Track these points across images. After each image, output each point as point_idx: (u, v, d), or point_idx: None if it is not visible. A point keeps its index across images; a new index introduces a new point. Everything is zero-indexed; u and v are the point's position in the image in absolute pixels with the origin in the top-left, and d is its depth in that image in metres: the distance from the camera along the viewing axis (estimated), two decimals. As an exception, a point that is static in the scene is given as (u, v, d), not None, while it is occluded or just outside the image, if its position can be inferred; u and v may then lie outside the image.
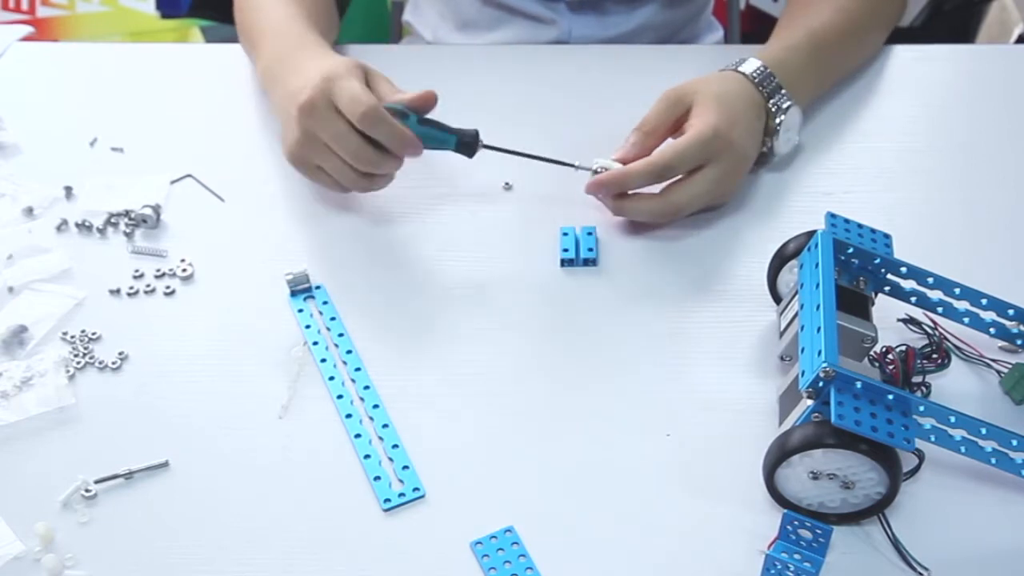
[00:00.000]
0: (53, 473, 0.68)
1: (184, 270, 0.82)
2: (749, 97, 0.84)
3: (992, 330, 0.72)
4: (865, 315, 0.68)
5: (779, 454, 0.62)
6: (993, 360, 0.73)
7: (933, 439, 0.62)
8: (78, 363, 0.75)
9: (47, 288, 0.81)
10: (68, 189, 0.89)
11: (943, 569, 0.62)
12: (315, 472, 0.68)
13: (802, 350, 0.64)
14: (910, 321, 0.74)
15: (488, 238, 0.84)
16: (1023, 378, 0.70)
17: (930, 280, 0.70)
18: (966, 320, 0.72)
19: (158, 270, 0.82)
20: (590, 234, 0.83)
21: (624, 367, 0.74)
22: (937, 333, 0.73)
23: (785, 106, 0.86)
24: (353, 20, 1.13)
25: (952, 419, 0.61)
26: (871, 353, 0.68)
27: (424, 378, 0.74)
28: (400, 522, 0.66)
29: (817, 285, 0.66)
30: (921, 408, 0.61)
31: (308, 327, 0.77)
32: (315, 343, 0.76)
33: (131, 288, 0.81)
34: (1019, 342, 0.72)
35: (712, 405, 0.71)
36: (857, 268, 0.70)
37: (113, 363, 0.75)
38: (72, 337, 0.77)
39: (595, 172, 0.82)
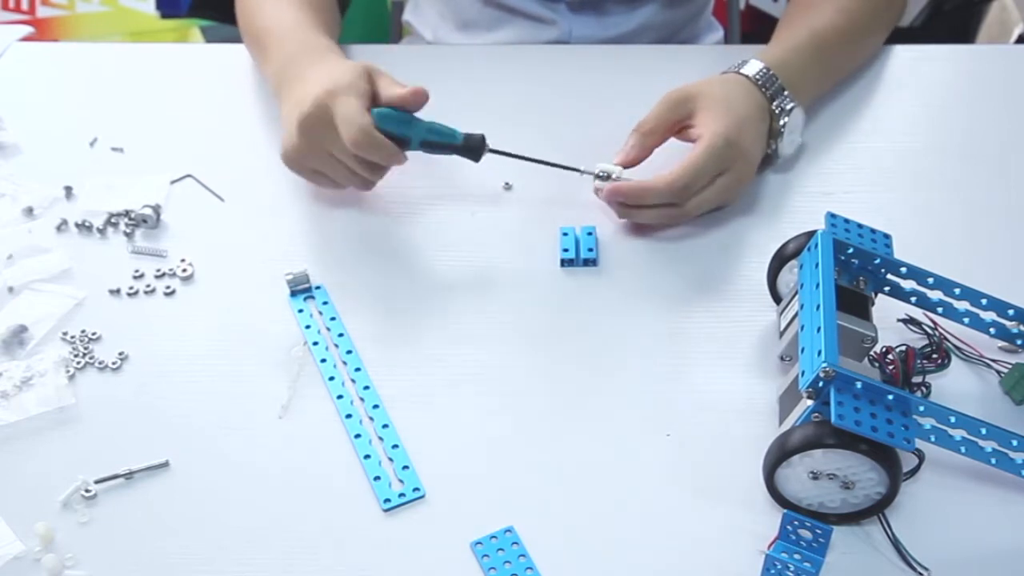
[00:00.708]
0: (53, 473, 0.68)
1: (184, 270, 0.82)
2: (754, 101, 0.84)
3: (992, 330, 0.72)
4: (865, 315, 0.68)
5: (779, 454, 0.62)
6: (993, 360, 0.73)
7: (933, 439, 0.62)
8: (78, 363, 0.75)
9: (47, 288, 0.81)
10: (68, 189, 0.89)
11: (943, 569, 0.62)
12: (315, 472, 0.68)
13: (802, 350, 0.64)
14: (910, 321, 0.74)
15: (488, 238, 0.84)
16: (1023, 378, 0.70)
17: (930, 280, 0.70)
18: (966, 320, 0.72)
19: (158, 270, 0.82)
20: (590, 234, 0.83)
21: (624, 367, 0.74)
22: (937, 333, 0.73)
23: (788, 107, 0.86)
24: (353, 20, 1.12)
25: (952, 419, 0.61)
26: (871, 353, 0.68)
27: (424, 378, 0.74)
28: (400, 522, 0.66)
29: (817, 285, 0.66)
30: (921, 408, 0.61)
31: (308, 327, 0.77)
32: (315, 343, 0.76)
33: (131, 288, 0.81)
34: (1019, 342, 0.72)
35: (712, 405, 0.71)
36: (857, 268, 0.70)
37: (113, 363, 0.75)
38: (72, 337, 0.77)
39: (597, 176, 0.82)
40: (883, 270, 0.70)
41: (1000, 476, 0.64)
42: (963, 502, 0.65)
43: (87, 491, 0.67)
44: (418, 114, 0.81)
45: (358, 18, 1.32)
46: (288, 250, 0.83)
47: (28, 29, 1.10)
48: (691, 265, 0.81)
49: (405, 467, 0.68)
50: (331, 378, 0.74)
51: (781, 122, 0.86)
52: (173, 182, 0.90)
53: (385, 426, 0.71)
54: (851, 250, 0.69)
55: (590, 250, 0.81)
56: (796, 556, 0.61)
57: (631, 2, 1.09)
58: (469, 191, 0.88)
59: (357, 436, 0.70)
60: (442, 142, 0.81)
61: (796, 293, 0.69)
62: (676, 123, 0.84)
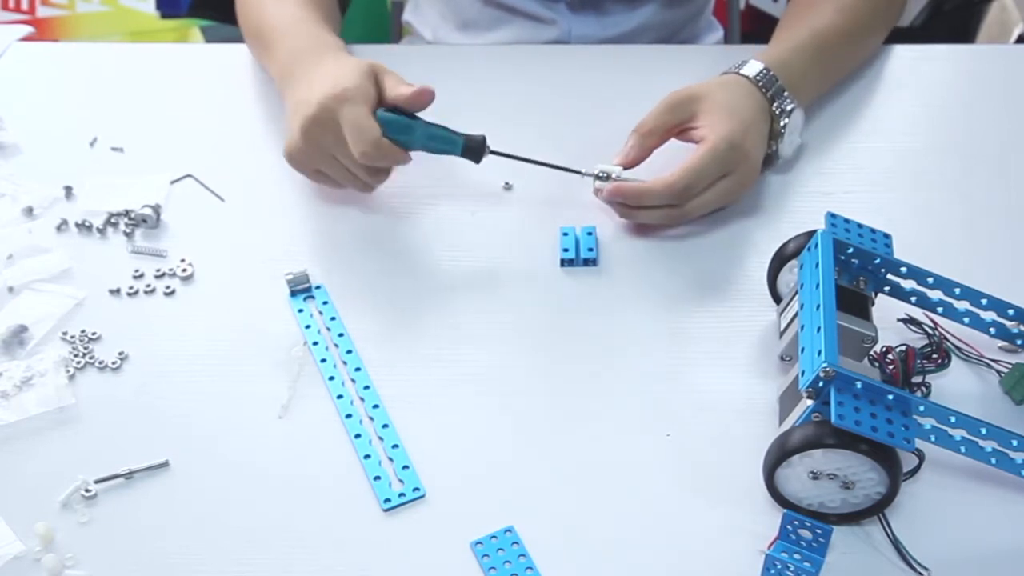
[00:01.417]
0: (53, 473, 0.68)
1: (184, 270, 0.82)
2: (755, 102, 0.84)
3: (992, 330, 0.72)
4: (865, 315, 0.68)
5: (779, 454, 0.62)
6: (993, 360, 0.73)
7: (933, 439, 0.62)
8: (78, 363, 0.75)
9: (47, 288, 0.81)
10: (68, 189, 0.89)
11: (943, 569, 0.62)
12: (315, 472, 0.68)
13: (802, 350, 0.64)
14: (910, 321, 0.74)
15: (488, 238, 0.84)
16: (1023, 378, 0.70)
17: (930, 280, 0.70)
18: (966, 320, 0.72)
19: (158, 270, 0.82)
20: (590, 234, 0.83)
21: (624, 367, 0.74)
22: (937, 333, 0.73)
23: (789, 109, 0.85)
24: (353, 20, 1.12)
25: (952, 419, 0.61)
26: (871, 353, 0.68)
27: (424, 378, 0.74)
28: (400, 522, 0.66)
29: (817, 285, 0.66)
30: (921, 408, 0.61)
31: (308, 327, 0.77)
32: (315, 343, 0.76)
33: (131, 288, 0.81)
34: (1019, 342, 0.72)
35: (712, 405, 0.71)
36: (857, 268, 0.70)
37: (113, 363, 0.75)
38: (72, 337, 0.77)
39: (597, 177, 0.82)
40: (883, 270, 0.70)
41: (1000, 476, 0.64)
42: (963, 502, 0.65)
43: (87, 491, 0.67)
44: (421, 114, 0.81)
45: (358, 18, 1.32)
46: (288, 250, 0.83)
47: (28, 29, 1.10)
48: (691, 265, 0.81)
49: (405, 467, 0.68)
50: (331, 378, 0.74)
51: (782, 123, 0.85)
52: (173, 182, 0.90)
53: (385, 426, 0.71)
54: (851, 250, 0.69)
55: (590, 250, 0.81)
56: (796, 556, 0.61)
57: (631, 2, 1.09)
58: (469, 191, 0.88)
59: (357, 436, 0.70)
60: (442, 143, 0.81)
61: (796, 293, 0.69)
62: (676, 125, 0.84)
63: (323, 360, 0.75)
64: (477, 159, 0.83)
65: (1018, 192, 0.87)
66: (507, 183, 0.88)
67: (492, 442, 0.70)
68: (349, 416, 0.71)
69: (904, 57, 1.02)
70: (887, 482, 0.61)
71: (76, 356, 0.75)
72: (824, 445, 0.60)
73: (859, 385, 0.60)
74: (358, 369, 0.74)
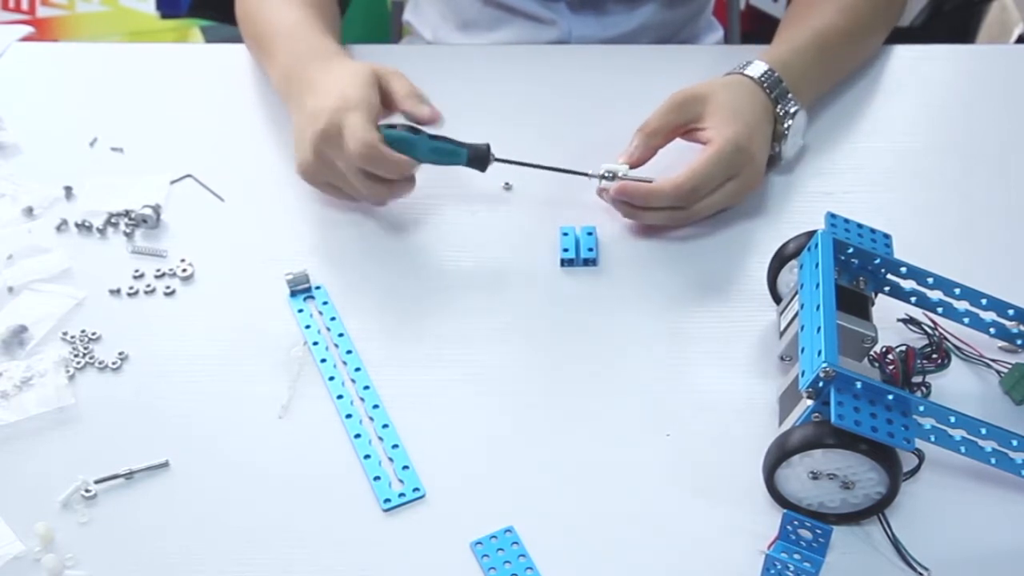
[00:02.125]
0: (53, 473, 0.68)
1: (184, 270, 0.82)
2: (760, 104, 0.84)
3: (992, 330, 0.72)
4: (865, 315, 0.68)
5: (779, 454, 0.62)
6: (993, 360, 0.73)
7: (933, 439, 0.62)
8: (78, 363, 0.75)
9: (47, 288, 0.81)
10: (68, 189, 0.89)
11: (943, 569, 0.62)
12: (315, 472, 0.68)
13: (802, 350, 0.64)
14: (910, 321, 0.74)
15: (488, 238, 0.84)
16: (1023, 378, 0.70)
17: (930, 280, 0.70)
18: (966, 320, 0.72)
19: (158, 270, 0.82)
20: (590, 234, 0.83)
21: (624, 367, 0.74)
22: (937, 333, 0.73)
23: (793, 111, 0.85)
24: (353, 20, 1.12)
25: (952, 419, 0.61)
26: (871, 353, 0.68)
27: (424, 378, 0.74)
28: (400, 522, 0.66)
29: (817, 285, 0.66)
30: (921, 408, 0.61)
31: (308, 327, 0.77)
32: (315, 343, 0.76)
33: (131, 288, 0.81)
34: (1019, 342, 0.72)
35: (712, 405, 0.71)
36: (857, 268, 0.70)
37: (113, 363, 0.75)
38: (72, 337, 0.77)
39: (603, 177, 0.82)
40: (883, 270, 0.70)
41: (1000, 476, 0.64)
42: (963, 502, 0.65)
43: (87, 491, 0.67)
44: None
45: (358, 18, 1.32)
46: (288, 250, 0.83)
47: (28, 29, 1.10)
48: (691, 265, 0.81)
49: (405, 467, 0.68)
50: (331, 378, 0.74)
51: (785, 125, 0.85)
52: (173, 182, 0.90)
53: (385, 426, 0.71)
54: (851, 250, 0.69)
55: (590, 250, 0.81)
56: (796, 556, 0.61)
57: (631, 2, 1.09)
58: (469, 191, 0.88)
59: (357, 436, 0.70)
60: (447, 153, 0.81)
61: (796, 293, 0.69)
62: (681, 125, 0.84)
63: (323, 360, 0.75)
64: (483, 168, 0.82)
65: (1018, 192, 0.87)
66: (507, 183, 0.88)
67: (492, 442, 0.70)
68: (349, 416, 0.71)
69: (904, 57, 1.02)
70: (887, 482, 0.61)
71: (76, 356, 0.75)
72: (824, 445, 0.60)
73: (859, 385, 0.60)
74: (358, 369, 0.74)
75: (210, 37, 2.01)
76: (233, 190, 0.89)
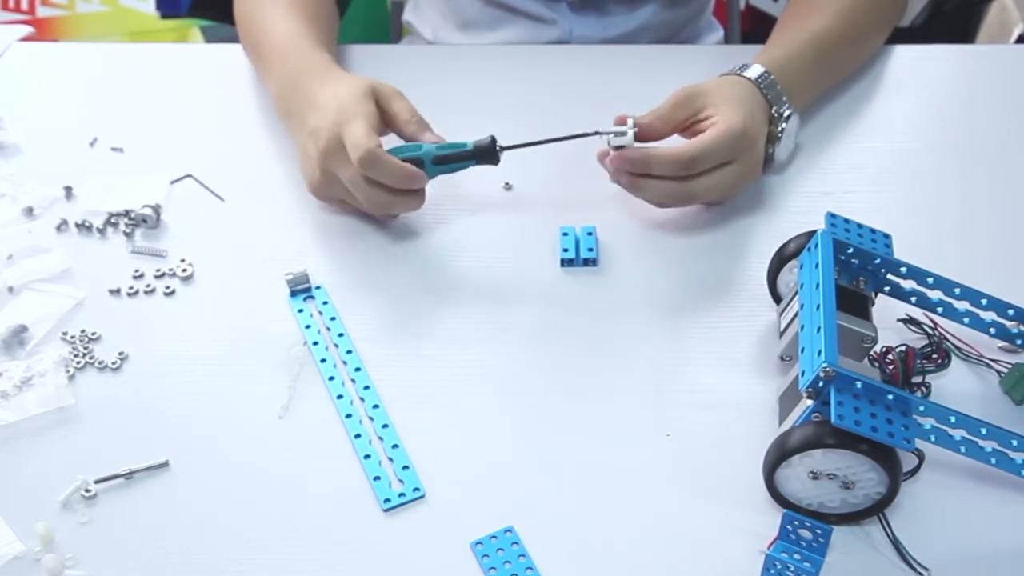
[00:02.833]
0: (53, 473, 0.68)
1: (184, 270, 0.82)
2: (759, 103, 0.85)
3: (992, 330, 0.72)
4: (865, 315, 0.68)
5: (779, 454, 0.62)
6: (993, 360, 0.73)
7: (933, 439, 0.62)
8: (78, 363, 0.75)
9: (47, 288, 0.81)
10: (68, 189, 0.89)
11: (943, 569, 0.62)
12: (315, 472, 0.68)
13: (802, 350, 0.64)
14: (910, 321, 0.74)
15: (488, 238, 0.84)
16: (1023, 378, 0.70)
17: (930, 280, 0.70)
18: (966, 320, 0.72)
19: (158, 270, 0.82)
20: (590, 234, 0.83)
21: (624, 367, 0.74)
22: (937, 333, 0.73)
23: (786, 114, 0.86)
24: (353, 20, 1.12)
25: (952, 419, 0.61)
26: (871, 353, 0.68)
27: (424, 378, 0.74)
28: (400, 522, 0.66)
29: (817, 285, 0.66)
30: (921, 408, 0.61)
31: (308, 327, 0.77)
32: (315, 343, 0.76)
33: (131, 288, 0.81)
34: (1019, 342, 0.72)
35: (712, 405, 0.71)
36: (857, 268, 0.70)
37: (113, 363, 0.75)
38: (72, 337, 0.77)
39: (614, 135, 0.80)
40: (883, 270, 0.70)
41: (1000, 476, 0.64)
42: (963, 502, 0.65)
43: (87, 491, 0.67)
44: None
45: (358, 18, 1.32)
46: (288, 250, 0.83)
47: (28, 29, 1.10)
48: (691, 265, 0.81)
49: (405, 467, 0.68)
50: (331, 378, 0.74)
51: (780, 127, 0.85)
52: (173, 182, 0.90)
53: (385, 426, 0.71)
54: (851, 250, 0.69)
55: (590, 250, 0.81)
56: (796, 556, 0.61)
57: (632, 2, 1.09)
58: (469, 191, 0.88)
59: (357, 436, 0.70)
60: (454, 160, 0.81)
61: (796, 293, 0.69)
62: (683, 120, 0.84)
63: (323, 360, 0.75)
64: (495, 160, 0.82)
65: (1018, 192, 0.87)
66: (507, 183, 0.88)
67: (492, 442, 0.70)
68: (349, 416, 0.71)
69: (904, 57, 1.02)
70: (887, 482, 0.61)
71: (76, 356, 0.75)
72: (824, 445, 0.60)
73: (859, 385, 0.60)
74: (358, 369, 0.74)
75: (210, 37, 2.01)
76: (233, 190, 0.89)
